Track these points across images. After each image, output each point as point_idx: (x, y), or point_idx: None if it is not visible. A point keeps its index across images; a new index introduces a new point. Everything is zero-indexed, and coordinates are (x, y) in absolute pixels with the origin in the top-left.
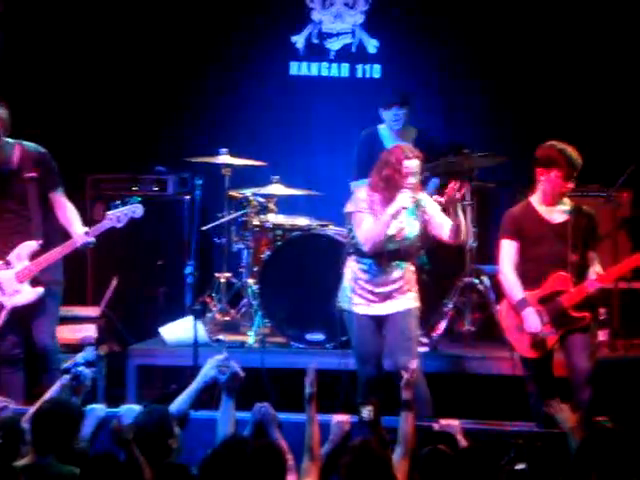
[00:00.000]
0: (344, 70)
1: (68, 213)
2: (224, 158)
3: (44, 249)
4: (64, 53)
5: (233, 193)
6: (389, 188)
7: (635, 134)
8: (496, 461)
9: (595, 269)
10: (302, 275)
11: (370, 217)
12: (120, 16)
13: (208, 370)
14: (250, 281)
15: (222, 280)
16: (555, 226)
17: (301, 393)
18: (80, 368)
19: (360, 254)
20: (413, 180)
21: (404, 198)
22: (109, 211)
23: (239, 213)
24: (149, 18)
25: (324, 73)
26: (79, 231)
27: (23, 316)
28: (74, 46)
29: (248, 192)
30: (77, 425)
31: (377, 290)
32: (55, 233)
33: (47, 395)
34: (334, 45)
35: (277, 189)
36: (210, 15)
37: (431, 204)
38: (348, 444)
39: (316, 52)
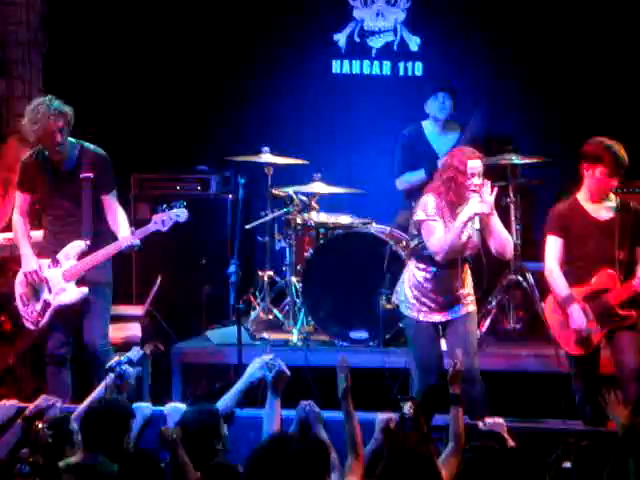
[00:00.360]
0: (386, 68)
1: (118, 217)
2: (266, 157)
3: (92, 250)
4: (109, 53)
5: (276, 191)
6: (454, 191)
7: None
8: (543, 459)
9: None
10: (345, 273)
11: (441, 225)
12: (162, 15)
13: (254, 370)
14: (293, 279)
15: (265, 278)
16: (602, 223)
17: None
18: (124, 367)
19: (424, 261)
20: (478, 181)
21: (474, 204)
22: (154, 214)
23: (282, 211)
24: (191, 17)
25: (366, 71)
26: (124, 233)
27: (71, 316)
28: (118, 46)
29: (291, 190)
30: (128, 424)
31: (440, 298)
32: (105, 235)
33: (93, 394)
34: (376, 43)
35: (319, 187)
36: (252, 13)
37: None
38: (387, 440)
39: (358, 50)
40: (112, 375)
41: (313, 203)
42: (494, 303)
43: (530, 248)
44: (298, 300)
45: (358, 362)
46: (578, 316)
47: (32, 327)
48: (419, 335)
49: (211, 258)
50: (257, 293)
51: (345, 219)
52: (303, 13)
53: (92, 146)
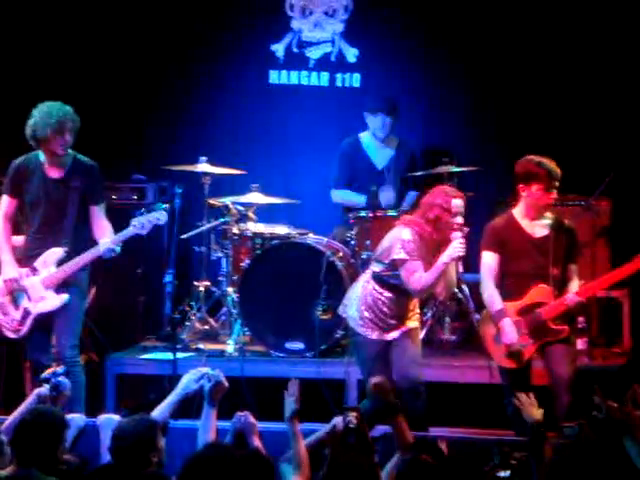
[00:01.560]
0: (324, 79)
1: (103, 227)
2: (203, 166)
3: (72, 257)
4: (45, 57)
5: (213, 201)
6: (438, 229)
7: (611, 142)
8: (477, 468)
9: (575, 282)
10: (281, 284)
11: (420, 263)
12: (99, 22)
13: (190, 382)
14: (229, 290)
15: (201, 289)
16: (537, 240)
17: (281, 401)
18: (60, 378)
19: (385, 287)
20: (460, 220)
21: (457, 246)
22: (133, 218)
23: (219, 222)
24: (127, 25)
25: (304, 82)
26: (103, 240)
27: (51, 323)
28: (55, 51)
29: (227, 200)
30: (61, 435)
31: (394, 320)
32: (86, 243)
33: (23, 405)
34: (314, 54)
35: (256, 197)
36: (190, 22)
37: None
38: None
39: (296, 61)
40: (47, 386)
41: (250, 213)
42: (430, 314)
43: (465, 259)
44: (234, 311)
45: (294, 373)
46: (509, 331)
47: (13, 336)
48: (371, 353)
49: (147, 268)
50: (193, 303)
51: (282, 229)
52: (241, 23)
53: (85, 158)
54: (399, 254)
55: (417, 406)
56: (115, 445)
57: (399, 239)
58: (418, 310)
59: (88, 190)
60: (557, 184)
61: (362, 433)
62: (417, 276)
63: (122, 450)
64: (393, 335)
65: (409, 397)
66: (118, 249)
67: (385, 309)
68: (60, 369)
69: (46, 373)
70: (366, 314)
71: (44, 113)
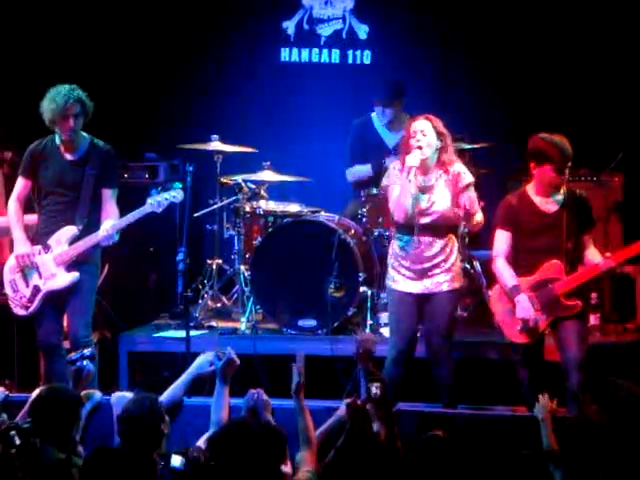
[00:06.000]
0: (335, 56)
1: (110, 213)
2: (215, 144)
3: (84, 236)
4: (59, 36)
5: (225, 180)
6: (406, 153)
7: (623, 118)
8: (492, 447)
9: (592, 250)
10: (293, 261)
11: (399, 187)
12: (111, 3)
13: (204, 363)
14: (242, 267)
15: (214, 267)
16: (550, 216)
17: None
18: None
19: (399, 230)
20: (421, 138)
21: (412, 157)
22: (149, 197)
23: (231, 200)
24: (141, 5)
25: (315, 59)
26: (105, 225)
27: (60, 302)
28: (68, 30)
29: (239, 178)
30: (77, 413)
31: (414, 267)
32: (98, 224)
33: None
34: (325, 31)
35: (268, 175)
36: (201, 2)
37: (469, 181)
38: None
39: (307, 38)
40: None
41: (262, 191)
42: None
43: (477, 236)
44: (247, 288)
45: (306, 350)
46: (525, 306)
47: (22, 313)
48: (394, 303)
49: (159, 246)
50: (205, 281)
51: (294, 207)
52: (252, 1)
53: (102, 142)
54: (382, 182)
55: (442, 375)
56: (124, 427)
57: (387, 171)
58: (456, 264)
59: (103, 174)
60: (569, 165)
61: (385, 404)
62: (392, 199)
63: (131, 430)
64: (419, 287)
65: (432, 364)
66: (117, 237)
67: (402, 252)
68: (88, 352)
69: (73, 354)
70: (390, 263)
71: (51, 97)
